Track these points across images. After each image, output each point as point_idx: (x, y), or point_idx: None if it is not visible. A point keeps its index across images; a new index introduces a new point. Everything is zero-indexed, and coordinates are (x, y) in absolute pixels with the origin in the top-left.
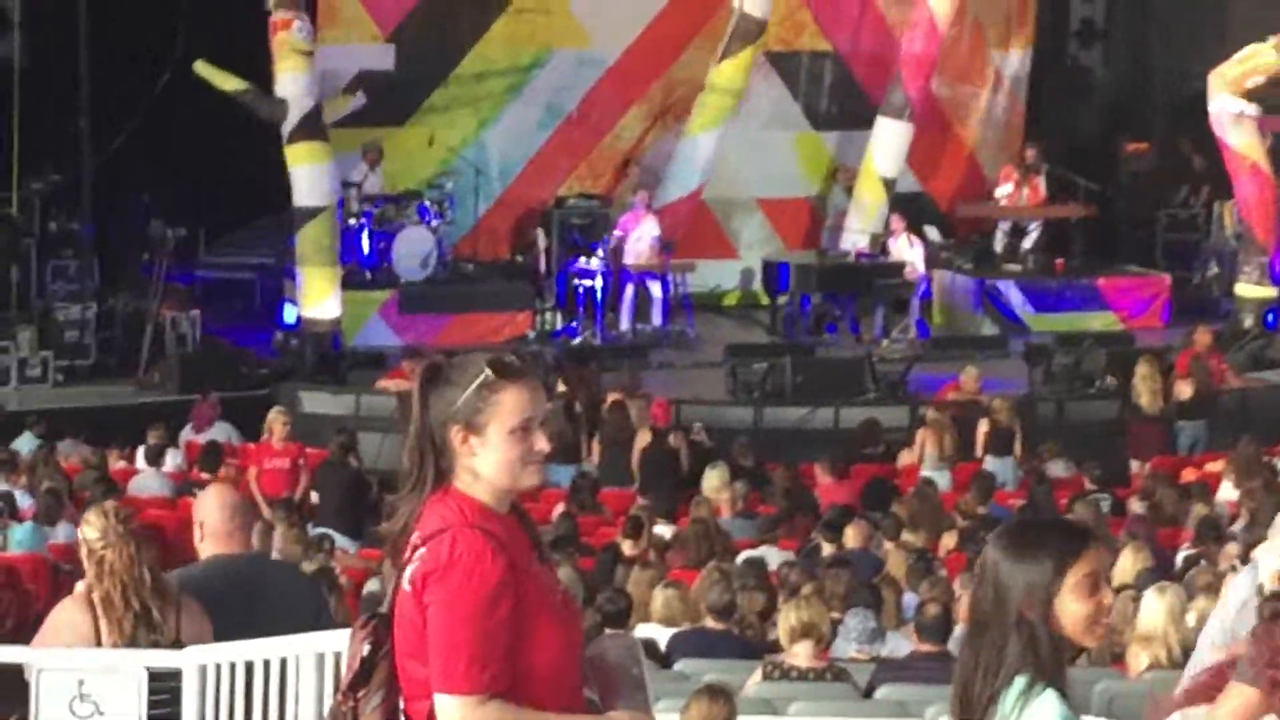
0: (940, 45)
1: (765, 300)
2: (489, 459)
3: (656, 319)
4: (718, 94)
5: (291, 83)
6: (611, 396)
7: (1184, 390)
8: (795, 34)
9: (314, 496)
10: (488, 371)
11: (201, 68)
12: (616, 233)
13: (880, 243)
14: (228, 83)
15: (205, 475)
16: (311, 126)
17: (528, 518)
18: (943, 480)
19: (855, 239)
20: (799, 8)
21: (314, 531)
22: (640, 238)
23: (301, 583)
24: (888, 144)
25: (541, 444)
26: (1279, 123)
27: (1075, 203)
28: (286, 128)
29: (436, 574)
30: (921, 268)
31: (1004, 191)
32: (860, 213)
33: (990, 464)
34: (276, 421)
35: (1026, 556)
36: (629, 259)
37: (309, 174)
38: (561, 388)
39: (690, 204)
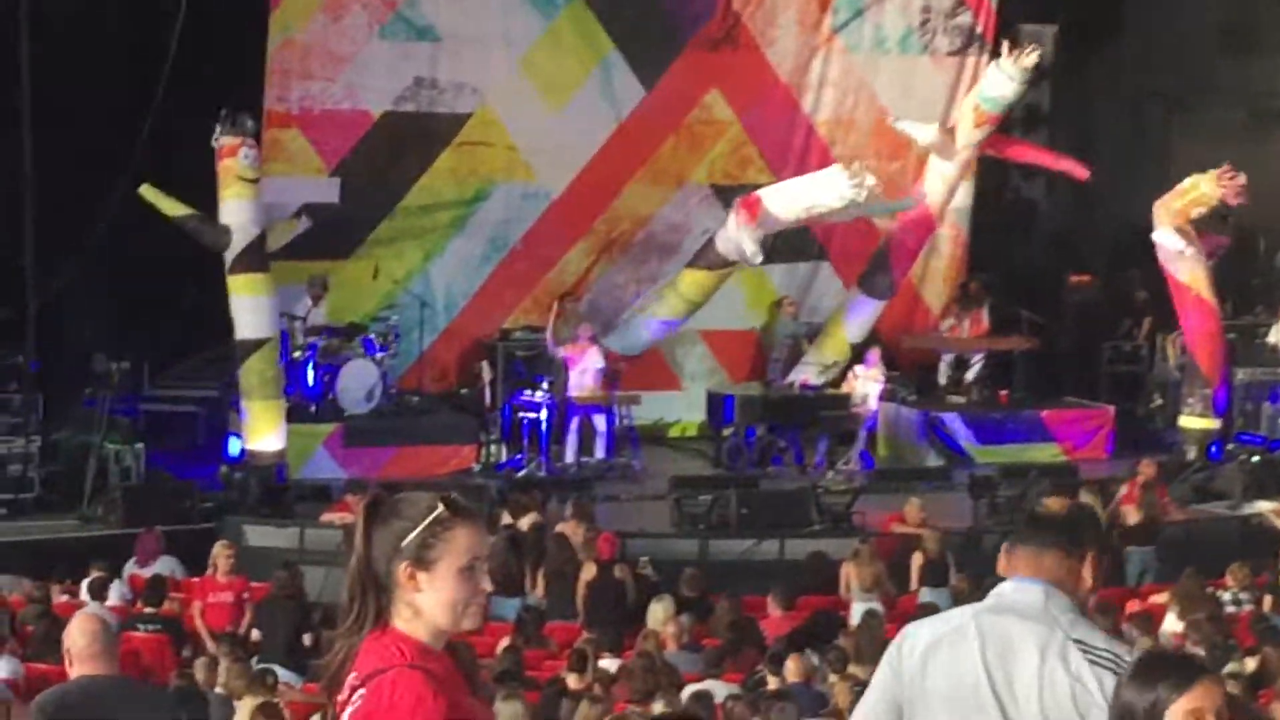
0: (930, 236)
1: (710, 432)
2: (434, 597)
3: (601, 451)
4: (676, 295)
5: (236, 210)
6: (556, 529)
7: (1131, 516)
8: (740, 168)
9: (257, 632)
10: (441, 508)
11: (147, 191)
12: (567, 368)
13: (839, 375)
14: (173, 208)
15: (149, 609)
16: (254, 257)
17: (460, 652)
18: None
19: (808, 372)
20: (744, 142)
21: (258, 666)
22: (585, 370)
23: (164, 704)
24: (861, 317)
25: (486, 585)
26: (1220, 240)
27: (1019, 335)
28: (229, 256)
29: (377, 716)
30: (874, 403)
31: (947, 324)
32: (821, 360)
33: (926, 595)
34: (221, 555)
35: (1147, 682)
36: (573, 391)
37: (252, 305)
38: (507, 519)
39: (625, 359)
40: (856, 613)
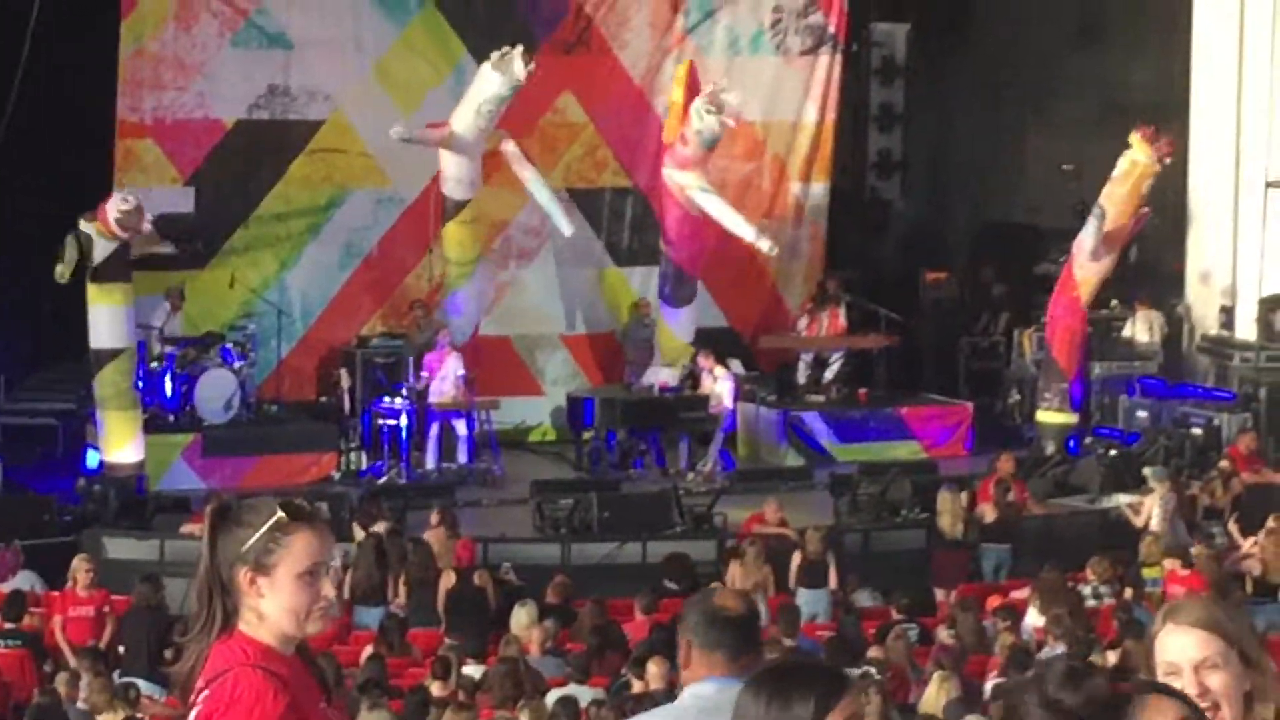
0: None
1: (571, 436)
2: (275, 602)
3: (462, 457)
4: (449, 264)
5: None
6: (417, 535)
7: (987, 514)
8: (596, 171)
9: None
10: (280, 514)
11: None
12: (424, 373)
13: (692, 376)
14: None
15: (9, 625)
16: (116, 267)
17: (312, 659)
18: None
19: (664, 374)
20: (599, 145)
21: (120, 680)
22: (445, 376)
23: None
24: (680, 324)
25: (328, 590)
26: (1144, 213)
27: (877, 333)
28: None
29: (218, 714)
30: (729, 402)
31: (804, 324)
32: (667, 361)
33: (803, 596)
34: (80, 569)
35: (786, 699)
36: (434, 398)
37: (109, 315)
38: (360, 531)
39: (469, 349)
40: None
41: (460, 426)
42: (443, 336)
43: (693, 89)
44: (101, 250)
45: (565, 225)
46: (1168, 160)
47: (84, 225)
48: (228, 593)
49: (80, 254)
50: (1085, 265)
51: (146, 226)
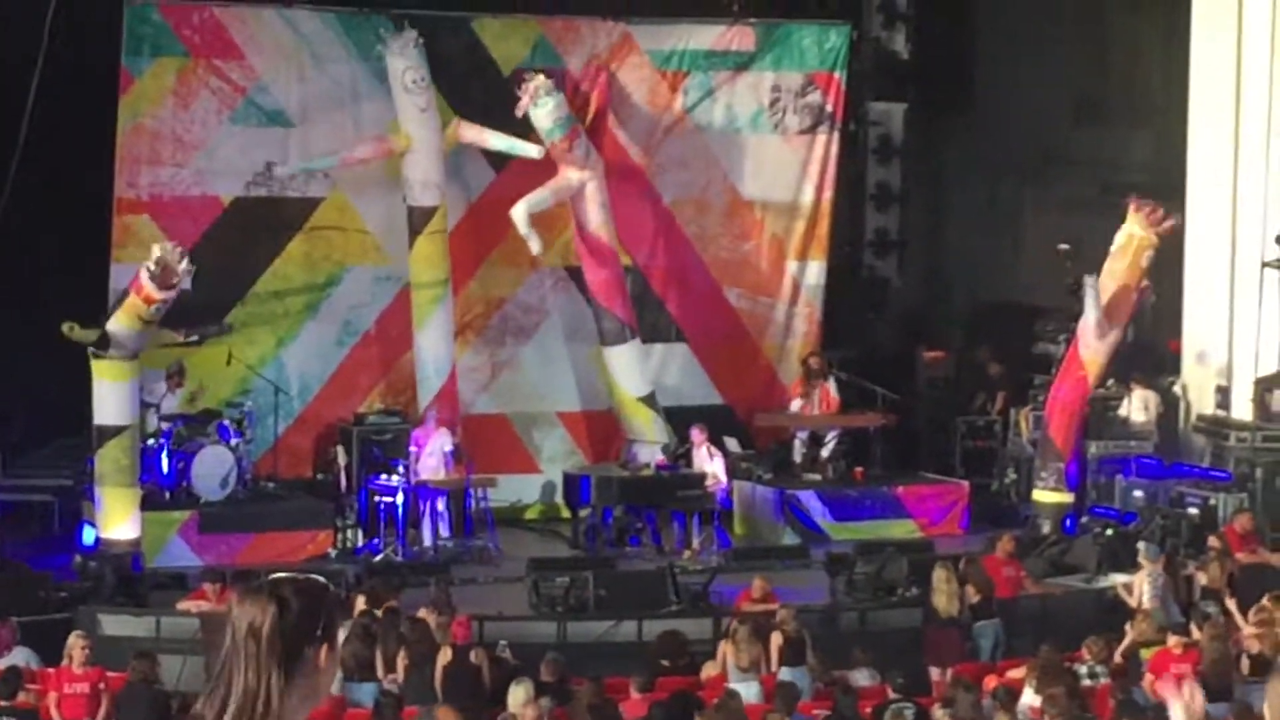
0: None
1: (567, 514)
2: None
3: (444, 531)
4: (418, 291)
5: (125, 336)
6: (416, 613)
7: (971, 595)
8: None
9: None
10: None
11: (72, 331)
12: (412, 449)
13: (679, 454)
14: (85, 336)
15: (3, 702)
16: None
17: None
18: (751, 692)
19: (651, 451)
20: None
21: None
22: (432, 452)
23: None
24: (622, 368)
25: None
26: (1145, 288)
27: (873, 411)
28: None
29: None
30: (724, 479)
31: (797, 404)
32: (639, 431)
33: (785, 674)
34: (76, 646)
35: None
36: (424, 474)
37: (113, 391)
38: (361, 605)
39: (447, 406)
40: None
41: (440, 504)
42: (429, 413)
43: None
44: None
45: (532, 150)
46: (1166, 228)
47: (114, 323)
48: None
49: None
50: (1091, 345)
51: (185, 267)
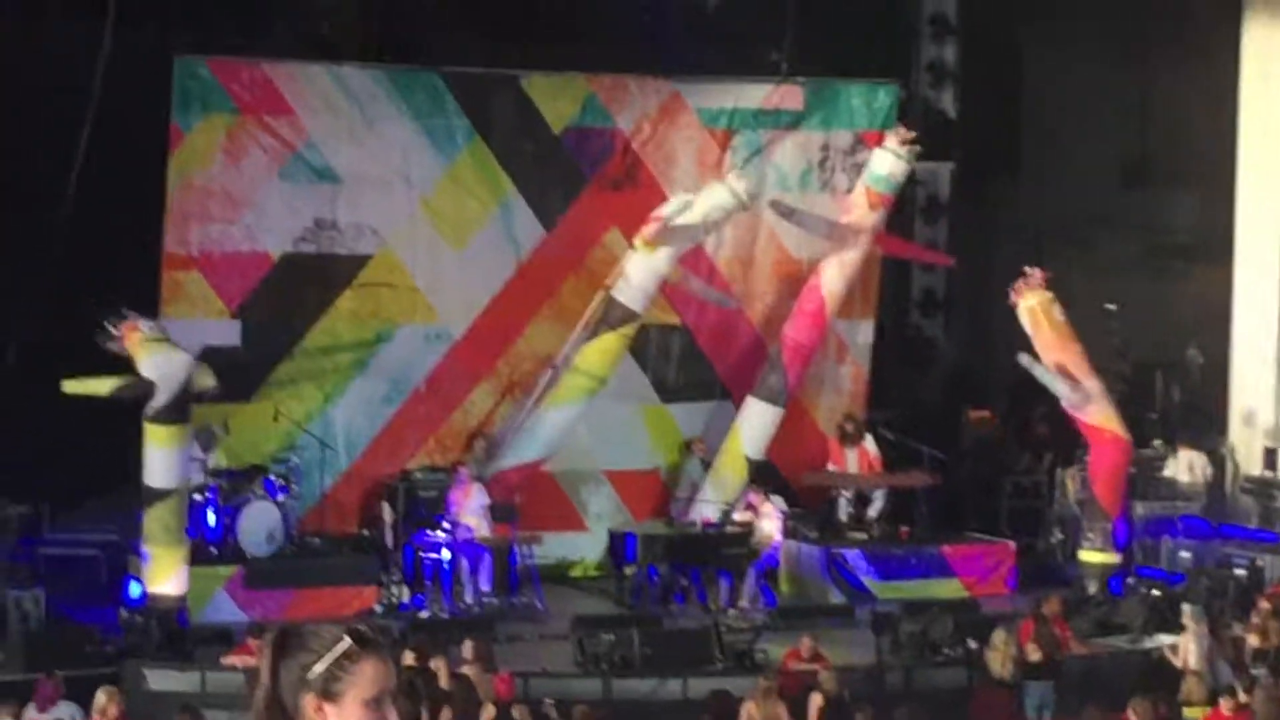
0: (824, 334)
1: (613, 571)
2: None
3: (484, 587)
4: (577, 375)
5: (155, 366)
6: (460, 669)
7: (1032, 653)
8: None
9: None
10: (349, 641)
11: (71, 386)
12: (453, 509)
13: (735, 514)
14: (102, 386)
15: None
16: (175, 409)
17: None
18: None
19: (708, 510)
20: None
21: None
22: (472, 510)
23: None
24: (756, 426)
25: (393, 717)
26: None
27: (919, 470)
28: (151, 407)
29: None
30: (779, 537)
31: (834, 467)
32: (720, 487)
33: None
34: (109, 702)
35: None
36: (464, 532)
37: (164, 456)
38: (409, 661)
39: (522, 473)
40: None
41: (488, 559)
42: (464, 471)
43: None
44: (165, 387)
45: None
46: (1043, 279)
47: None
48: None
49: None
50: (1086, 410)
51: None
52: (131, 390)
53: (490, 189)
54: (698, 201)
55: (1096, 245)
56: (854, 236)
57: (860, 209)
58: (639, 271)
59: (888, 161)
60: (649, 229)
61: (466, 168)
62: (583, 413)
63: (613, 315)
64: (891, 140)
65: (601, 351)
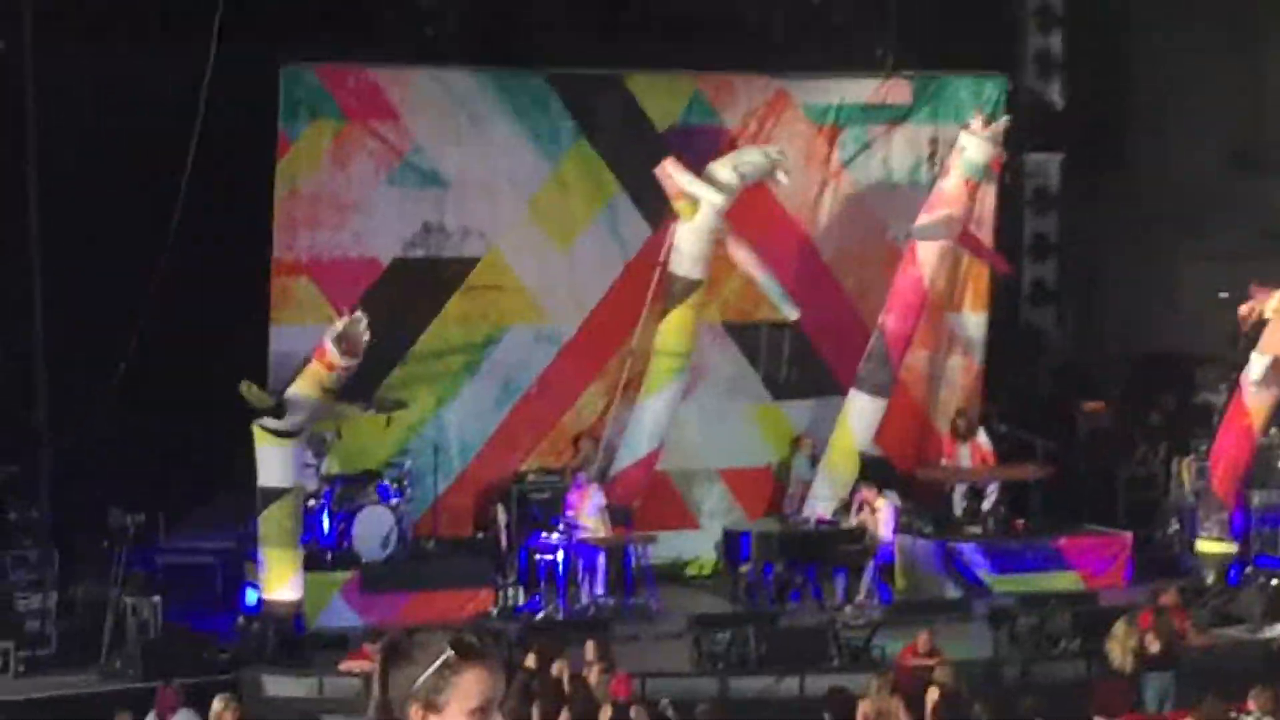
0: (920, 321)
1: (727, 569)
2: None
3: (599, 588)
4: (660, 357)
5: (302, 403)
6: (576, 671)
7: (1151, 644)
8: (754, 305)
9: None
10: (450, 652)
11: (249, 390)
12: (569, 512)
13: (846, 509)
14: (265, 400)
15: None
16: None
17: None
18: None
19: (821, 506)
20: (755, 279)
21: None
22: (589, 512)
23: None
24: (863, 418)
25: None
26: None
27: (1033, 463)
28: (271, 419)
29: None
30: (888, 533)
31: (948, 462)
32: (832, 483)
33: None
34: (225, 711)
35: None
36: (583, 533)
37: (277, 455)
38: (529, 662)
39: (643, 470)
40: None
41: (600, 561)
42: (581, 475)
43: None
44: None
45: (790, 309)
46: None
47: (294, 389)
48: None
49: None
50: (1256, 394)
51: (367, 337)
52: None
53: (596, 189)
54: (729, 160)
55: (1207, 233)
56: (956, 225)
57: (960, 199)
58: (686, 240)
59: (983, 148)
60: (673, 193)
61: (572, 168)
62: (679, 394)
63: (676, 289)
64: (978, 126)
65: (678, 328)
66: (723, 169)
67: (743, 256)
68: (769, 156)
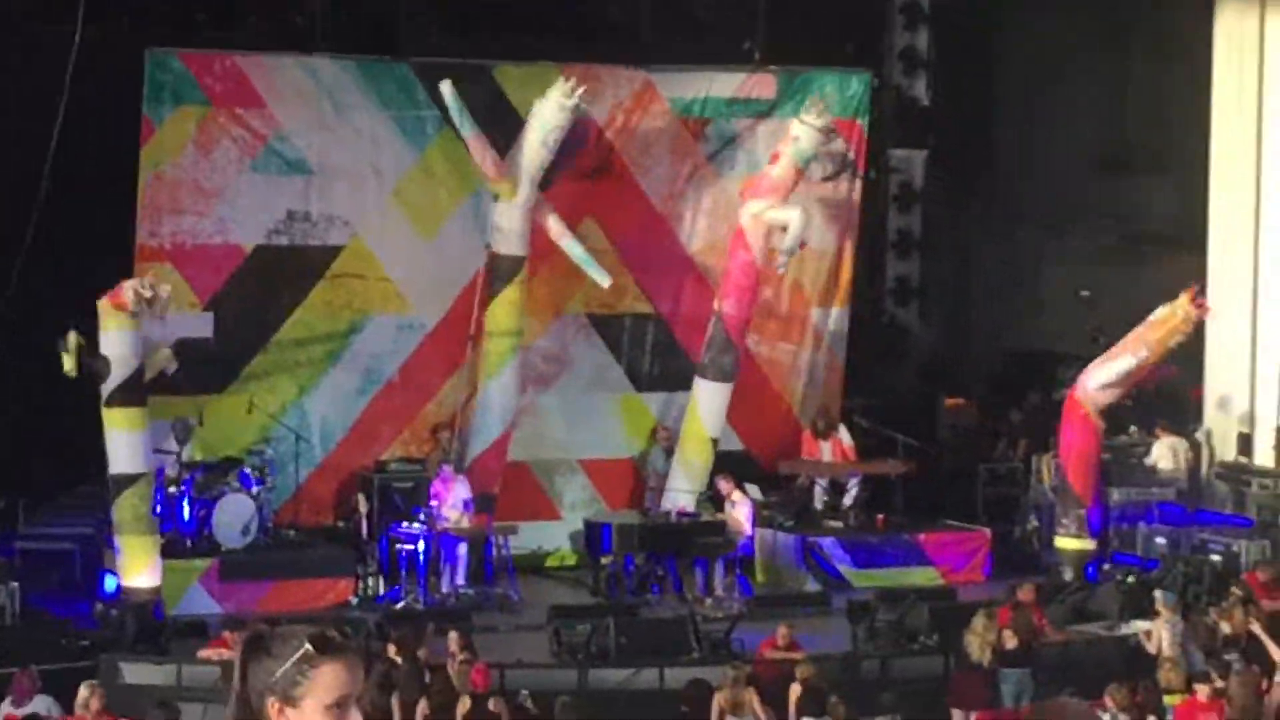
0: (754, 302)
1: (588, 561)
2: None
3: (459, 578)
4: (494, 339)
5: (116, 341)
6: (444, 661)
7: (1009, 640)
8: (617, 297)
9: None
10: (307, 646)
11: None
12: (433, 502)
13: (712, 502)
14: (68, 362)
15: None
16: (131, 391)
17: None
18: None
19: (680, 498)
20: (620, 271)
21: None
22: (454, 504)
23: None
24: (711, 404)
25: None
26: (1170, 371)
27: (894, 459)
28: (105, 389)
29: None
30: (748, 527)
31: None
32: (688, 472)
33: None
34: (91, 696)
35: None
36: (444, 524)
37: (127, 440)
38: (391, 653)
39: (495, 454)
40: None
41: (461, 550)
42: (446, 466)
43: None
44: (120, 370)
45: (602, 276)
46: (1200, 314)
47: (106, 338)
48: None
49: (80, 347)
50: (1089, 392)
51: (160, 319)
52: (91, 366)
53: (461, 179)
54: (530, 126)
55: (1071, 232)
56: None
57: (786, 185)
58: (505, 218)
59: (814, 138)
60: (489, 171)
61: (437, 157)
62: (517, 373)
63: (501, 269)
64: (812, 117)
65: (506, 307)
66: (528, 140)
67: (554, 227)
68: (564, 109)
